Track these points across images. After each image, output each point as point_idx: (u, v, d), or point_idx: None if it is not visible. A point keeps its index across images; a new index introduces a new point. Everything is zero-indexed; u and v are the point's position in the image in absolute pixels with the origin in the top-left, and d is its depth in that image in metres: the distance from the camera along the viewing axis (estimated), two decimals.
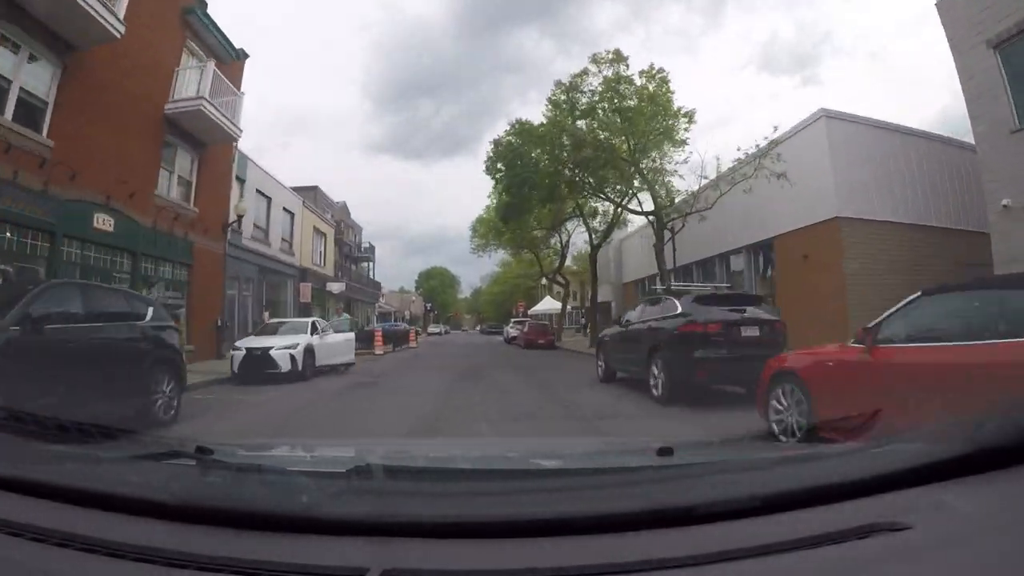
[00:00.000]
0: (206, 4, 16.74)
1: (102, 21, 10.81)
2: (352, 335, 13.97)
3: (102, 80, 11.84)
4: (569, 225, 31.29)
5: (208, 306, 16.97)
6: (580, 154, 16.08)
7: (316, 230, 28.26)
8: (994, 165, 10.78)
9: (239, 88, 18.05)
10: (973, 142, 11.65)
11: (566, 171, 17.27)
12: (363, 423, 7.02)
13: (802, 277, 15.53)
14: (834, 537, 0.79)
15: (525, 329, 27.11)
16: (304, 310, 25.97)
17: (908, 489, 0.91)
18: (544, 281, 48.26)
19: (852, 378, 4.18)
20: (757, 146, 14.62)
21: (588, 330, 38.59)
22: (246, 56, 19.07)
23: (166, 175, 15.73)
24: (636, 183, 17.46)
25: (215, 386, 11.10)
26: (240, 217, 18.35)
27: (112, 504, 0.93)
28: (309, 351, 12.11)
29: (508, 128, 17.33)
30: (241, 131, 17.64)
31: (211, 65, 15.89)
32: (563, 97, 16.47)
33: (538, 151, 16.79)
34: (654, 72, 16.46)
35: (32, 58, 10.52)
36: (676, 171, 16.78)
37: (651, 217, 18.15)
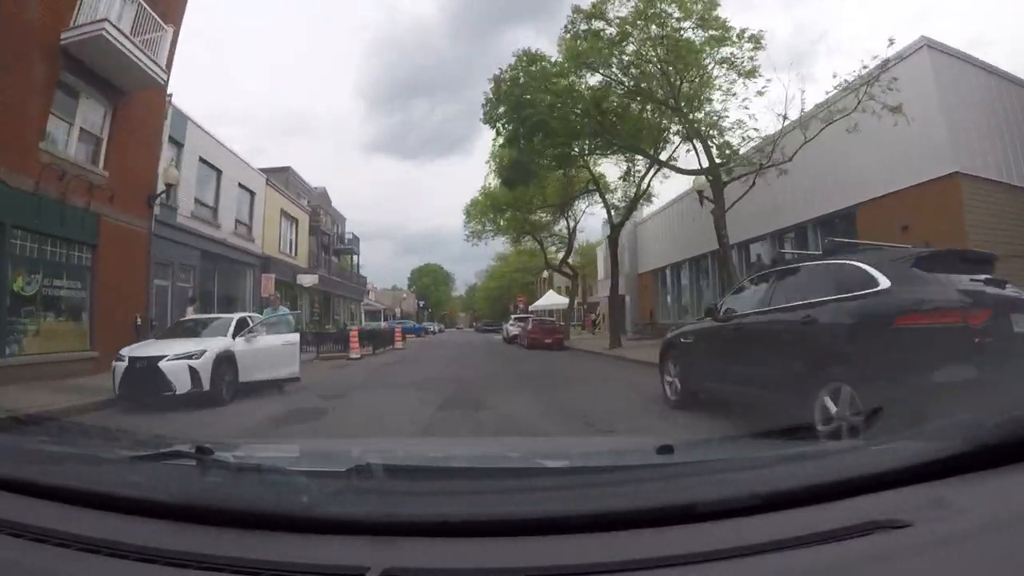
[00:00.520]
0: None
1: None
2: (295, 337, 10.03)
3: None
4: (577, 209, 27.47)
5: (125, 299, 13.01)
6: (608, 99, 12.36)
7: (285, 215, 24.31)
8: None
9: (177, 26, 14.10)
10: None
11: (587, 119, 13.24)
12: None
13: None
14: (834, 535, 0.79)
15: (529, 327, 23.18)
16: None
17: (908, 487, 0.91)
18: (545, 275, 44.51)
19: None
20: (857, 74, 10.78)
21: (595, 327, 34.83)
22: None
23: (63, 126, 11.83)
24: (683, 129, 13.34)
25: (93, 413, 7.32)
26: (169, 187, 14.42)
27: (112, 504, 0.94)
28: (225, 361, 8.23)
29: (513, 63, 13.33)
30: (167, 76, 13.71)
31: None
32: (583, 27, 12.51)
33: (551, 96, 12.78)
34: None
35: None
36: (746, 107, 12.71)
37: (700, 180, 14.26)
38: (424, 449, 2.17)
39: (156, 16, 13.08)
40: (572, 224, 27.33)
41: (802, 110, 11.93)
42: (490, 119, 14.08)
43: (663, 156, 15.53)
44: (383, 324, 36.72)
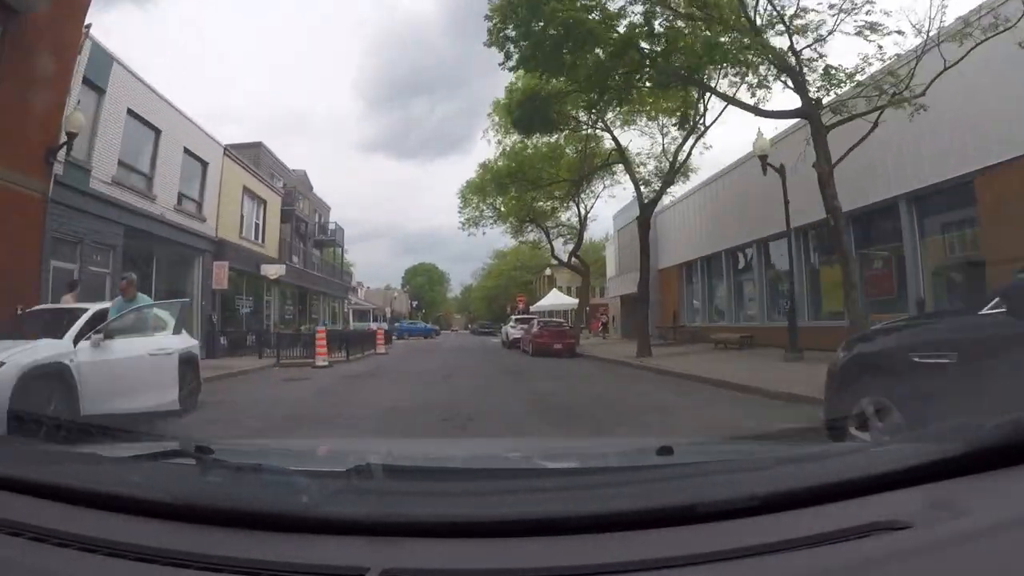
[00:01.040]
0: None
1: None
2: (178, 343, 6.44)
3: None
4: (589, 197, 23.96)
5: (3, 284, 9.50)
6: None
7: (250, 193, 20.75)
8: None
9: None
10: None
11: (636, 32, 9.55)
12: None
13: None
14: (834, 536, 0.78)
15: (534, 330, 19.53)
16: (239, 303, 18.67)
17: (908, 488, 0.90)
18: (548, 272, 40.96)
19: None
20: None
21: (605, 331, 31.30)
22: None
23: None
24: (767, 57, 9.71)
25: None
26: (72, 136, 10.89)
27: (112, 504, 0.93)
28: (51, 381, 4.79)
29: None
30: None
31: None
32: None
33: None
34: None
35: None
36: (871, 13, 9.11)
37: (762, 143, 10.87)
38: (424, 449, 2.17)
39: None
40: (583, 211, 23.83)
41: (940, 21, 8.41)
42: (494, 38, 10.48)
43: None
44: (373, 325, 33.13)
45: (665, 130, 15.95)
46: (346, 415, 6.82)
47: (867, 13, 9.11)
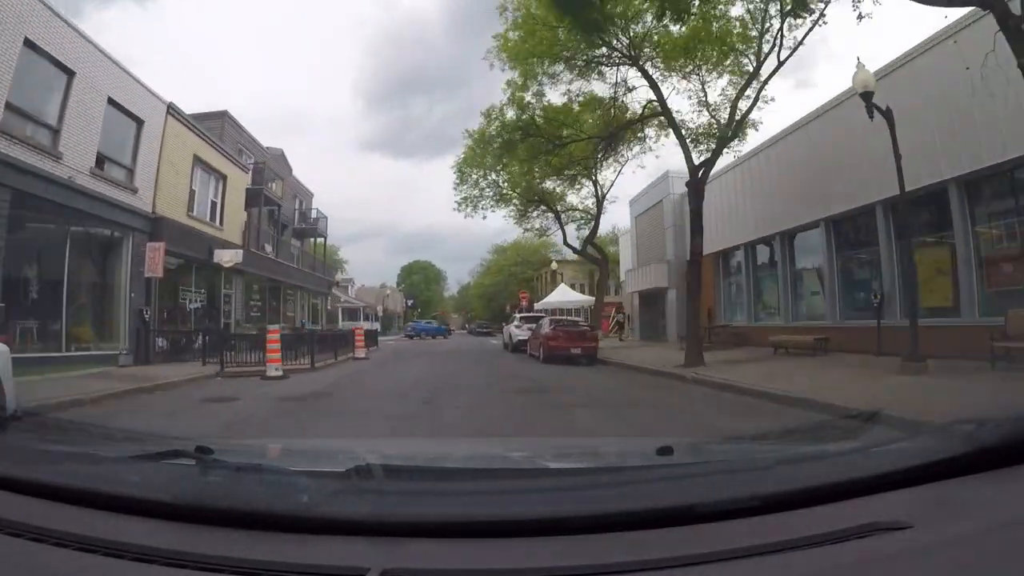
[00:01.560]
0: None
1: None
2: None
3: None
4: (606, 176, 20.54)
5: None
6: None
7: (204, 165, 17.29)
8: None
9: None
10: None
11: None
12: None
13: None
14: (835, 536, 0.77)
15: (546, 330, 16.00)
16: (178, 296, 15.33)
17: (909, 488, 0.89)
18: (554, 266, 37.53)
19: None
20: None
21: (622, 332, 27.64)
22: None
23: None
24: None
25: None
26: None
27: (112, 504, 0.91)
28: None
29: None
30: None
31: None
32: None
33: None
34: None
35: None
36: None
37: (865, 77, 7.60)
38: (424, 449, 2.14)
39: None
40: (600, 192, 20.37)
41: None
42: None
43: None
44: (364, 324, 29.66)
45: (723, 68, 12.50)
46: None
47: None
